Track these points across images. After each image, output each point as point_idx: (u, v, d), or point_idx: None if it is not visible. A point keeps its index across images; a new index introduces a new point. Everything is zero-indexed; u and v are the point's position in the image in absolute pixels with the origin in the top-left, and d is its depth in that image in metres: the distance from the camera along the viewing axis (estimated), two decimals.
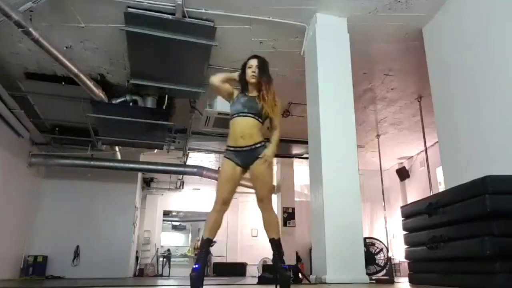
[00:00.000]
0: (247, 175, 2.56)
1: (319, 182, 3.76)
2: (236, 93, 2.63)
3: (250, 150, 2.49)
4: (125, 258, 8.81)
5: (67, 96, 5.86)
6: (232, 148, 2.51)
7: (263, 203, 2.54)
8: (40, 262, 7.72)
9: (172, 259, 11.71)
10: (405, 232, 3.74)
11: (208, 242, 2.44)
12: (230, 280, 6.49)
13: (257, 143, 2.51)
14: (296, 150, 8.65)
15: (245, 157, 2.49)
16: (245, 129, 2.50)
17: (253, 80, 2.59)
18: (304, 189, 10.97)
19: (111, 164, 7.90)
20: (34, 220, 8.06)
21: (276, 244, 2.48)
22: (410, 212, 3.65)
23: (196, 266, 2.27)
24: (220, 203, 2.49)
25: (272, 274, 2.44)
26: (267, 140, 2.60)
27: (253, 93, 2.61)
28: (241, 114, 2.52)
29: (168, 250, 11.87)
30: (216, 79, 2.61)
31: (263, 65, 2.63)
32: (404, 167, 9.58)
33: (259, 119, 2.55)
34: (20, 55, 5.02)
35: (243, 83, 2.64)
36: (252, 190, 2.61)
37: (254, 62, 2.62)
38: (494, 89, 3.35)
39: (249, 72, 2.60)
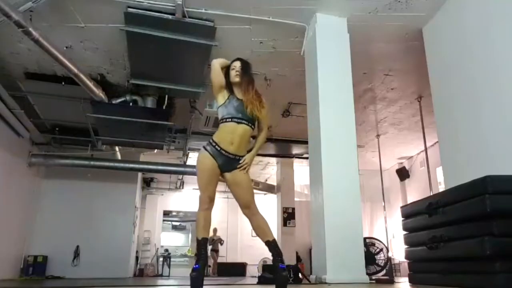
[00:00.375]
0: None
1: (319, 182, 3.76)
2: (227, 94, 2.63)
3: (234, 159, 2.49)
4: (125, 258, 8.81)
5: (67, 96, 5.86)
6: (218, 148, 2.48)
7: (250, 209, 2.51)
8: (40, 262, 7.73)
9: (172, 259, 11.71)
10: (405, 232, 3.73)
11: (205, 242, 2.44)
12: (230, 280, 6.49)
13: (242, 156, 2.52)
14: (296, 150, 8.65)
15: (226, 162, 2.48)
16: (237, 136, 2.49)
17: (237, 79, 2.61)
18: (304, 189, 10.97)
19: (111, 164, 7.90)
20: (34, 220, 8.06)
21: (273, 245, 2.47)
22: (410, 212, 3.65)
23: (196, 266, 2.27)
24: (207, 201, 2.47)
25: (272, 274, 2.43)
26: (254, 138, 2.62)
27: (240, 95, 2.62)
28: (235, 119, 2.51)
29: (167, 250, 11.87)
30: (217, 62, 2.67)
31: (245, 66, 2.68)
32: (404, 167, 9.58)
33: (252, 126, 2.56)
34: (20, 55, 5.02)
35: (228, 85, 2.65)
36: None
37: (237, 64, 2.67)
38: (494, 89, 3.35)
39: (232, 73, 2.64)
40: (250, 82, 2.65)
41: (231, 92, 2.64)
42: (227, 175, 2.50)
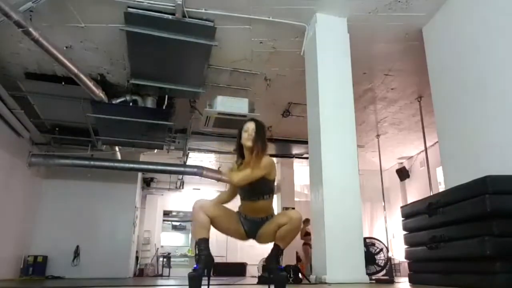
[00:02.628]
0: None
1: (319, 182, 3.76)
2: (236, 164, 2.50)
3: (260, 221, 2.41)
4: (125, 258, 8.81)
5: (67, 96, 5.86)
6: (243, 215, 2.43)
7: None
8: (40, 262, 7.73)
9: (172, 259, 11.71)
10: (405, 232, 3.74)
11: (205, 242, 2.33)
12: (230, 280, 6.49)
13: (267, 216, 2.42)
14: (296, 150, 8.65)
15: (252, 226, 2.42)
16: (255, 208, 2.41)
17: (249, 144, 2.38)
18: (304, 189, 10.97)
19: (111, 164, 7.87)
20: (34, 220, 8.06)
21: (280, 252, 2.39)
22: (410, 212, 3.66)
23: (196, 266, 2.26)
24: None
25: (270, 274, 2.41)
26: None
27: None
28: (245, 199, 2.40)
29: (169, 253, 11.85)
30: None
31: (259, 129, 2.44)
32: (404, 167, 9.58)
33: (267, 196, 2.40)
34: (20, 55, 5.02)
35: (239, 149, 2.48)
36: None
37: (251, 125, 2.44)
38: (494, 89, 3.35)
39: (245, 135, 2.41)
40: (263, 148, 2.39)
41: (240, 156, 2.48)
42: (257, 235, 2.43)
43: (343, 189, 3.72)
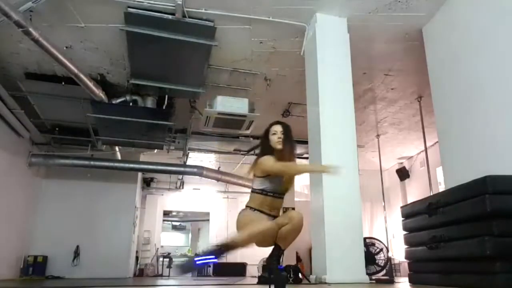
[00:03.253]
0: None
1: (319, 182, 3.76)
2: None
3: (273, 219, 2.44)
4: (125, 258, 8.80)
5: (67, 96, 5.86)
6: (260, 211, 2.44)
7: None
8: (40, 262, 7.71)
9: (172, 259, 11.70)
10: (405, 232, 3.74)
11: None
12: (230, 280, 6.49)
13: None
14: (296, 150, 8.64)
15: None
16: (277, 205, 2.48)
17: (279, 146, 2.49)
18: (304, 189, 10.96)
19: (111, 164, 7.89)
20: (34, 220, 8.05)
21: (281, 253, 2.43)
22: (410, 212, 3.66)
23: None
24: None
25: (270, 274, 2.41)
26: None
27: None
28: (273, 195, 2.44)
29: (169, 253, 11.85)
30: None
31: (287, 131, 2.57)
32: (404, 167, 9.58)
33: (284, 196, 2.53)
34: (20, 55, 5.02)
35: (266, 151, 2.51)
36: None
37: (278, 128, 2.55)
38: (494, 89, 3.35)
39: (274, 138, 2.51)
40: (293, 150, 2.55)
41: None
42: None
43: (343, 189, 3.72)
